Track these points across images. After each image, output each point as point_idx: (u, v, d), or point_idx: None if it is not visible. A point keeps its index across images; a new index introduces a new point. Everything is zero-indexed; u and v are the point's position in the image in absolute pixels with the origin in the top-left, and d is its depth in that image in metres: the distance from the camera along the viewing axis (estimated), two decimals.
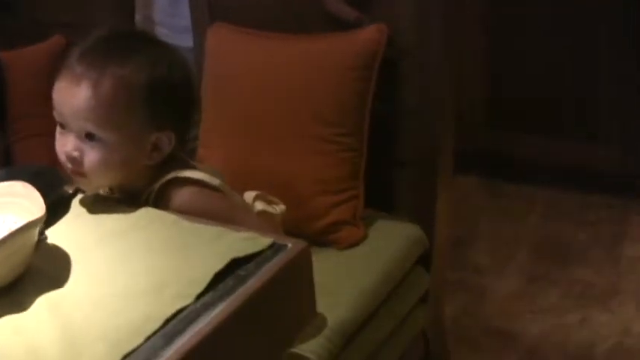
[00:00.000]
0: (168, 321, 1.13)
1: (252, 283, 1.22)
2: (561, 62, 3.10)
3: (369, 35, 1.86)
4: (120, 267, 1.27)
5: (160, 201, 1.50)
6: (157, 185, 1.50)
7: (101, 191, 1.56)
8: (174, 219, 1.40)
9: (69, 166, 1.45)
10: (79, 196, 1.49)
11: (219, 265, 1.24)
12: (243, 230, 1.34)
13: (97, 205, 1.47)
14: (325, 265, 1.67)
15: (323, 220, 1.90)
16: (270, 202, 1.67)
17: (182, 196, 1.51)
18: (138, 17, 2.39)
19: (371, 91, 1.86)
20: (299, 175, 1.90)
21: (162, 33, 2.30)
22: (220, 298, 1.19)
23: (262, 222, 1.59)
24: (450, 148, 1.97)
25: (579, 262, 2.92)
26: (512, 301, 2.73)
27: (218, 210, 1.52)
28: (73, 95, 1.40)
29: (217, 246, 1.30)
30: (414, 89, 1.92)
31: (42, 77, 2.43)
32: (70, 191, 1.49)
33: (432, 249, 2.01)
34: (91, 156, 1.42)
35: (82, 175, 1.46)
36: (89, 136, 1.41)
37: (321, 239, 1.87)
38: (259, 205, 1.68)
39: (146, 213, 1.43)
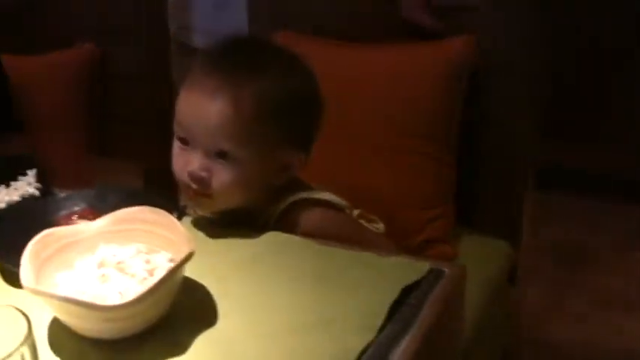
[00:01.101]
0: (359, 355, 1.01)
1: (428, 313, 1.14)
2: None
3: (458, 46, 1.77)
4: (267, 298, 1.16)
5: (284, 224, 1.37)
6: (280, 207, 1.38)
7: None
8: (308, 243, 1.29)
9: (193, 186, 1.33)
10: (186, 220, 1.36)
11: (390, 294, 1.14)
12: (385, 254, 1.26)
13: (212, 228, 1.33)
14: None
15: (414, 238, 1.79)
16: (370, 221, 1.53)
17: (311, 218, 1.39)
18: (172, 23, 2.22)
19: (460, 102, 1.74)
20: (388, 191, 1.80)
21: (203, 41, 2.13)
22: (403, 331, 1.09)
23: (389, 242, 1.45)
24: (534, 161, 1.82)
25: (607, 269, 2.87)
26: (541, 309, 2.65)
27: (348, 232, 1.42)
28: (206, 110, 1.28)
29: (374, 273, 1.21)
30: (501, 100, 1.84)
31: (69, 86, 2.23)
32: (175, 215, 1.32)
33: (518, 265, 1.87)
34: (222, 176, 1.30)
35: (208, 196, 1.33)
36: (220, 155, 1.29)
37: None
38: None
39: (274, 237, 1.32)
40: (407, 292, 1.15)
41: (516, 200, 1.86)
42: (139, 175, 2.38)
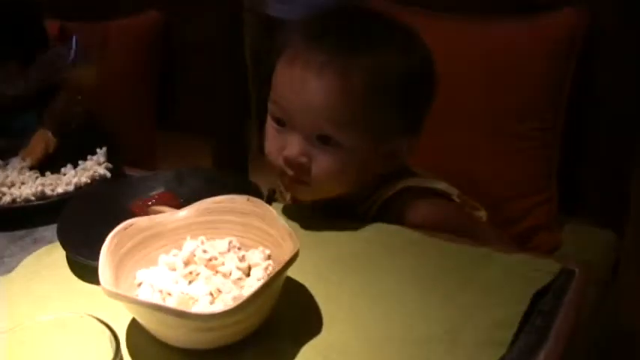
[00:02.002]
0: None
1: (563, 322, 0.99)
2: None
3: (568, 19, 1.58)
4: (377, 302, 1.01)
5: (388, 213, 1.23)
6: (383, 194, 1.22)
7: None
8: (421, 237, 1.15)
9: (289, 172, 1.18)
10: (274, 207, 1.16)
11: (520, 300, 0.99)
12: (507, 250, 1.11)
13: (306, 218, 1.17)
14: None
15: (518, 225, 1.64)
16: (473, 208, 1.35)
17: (419, 208, 1.23)
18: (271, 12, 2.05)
19: (569, 81, 1.57)
20: (491, 177, 1.64)
21: (281, 9, 1.97)
22: (538, 344, 0.95)
23: (503, 235, 1.28)
24: None
25: None
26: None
27: (461, 224, 1.26)
28: (310, 87, 1.12)
29: (500, 273, 1.05)
30: (609, 77, 1.65)
31: (134, 55, 2.11)
32: None
33: (622, 254, 1.73)
34: (323, 162, 1.15)
35: (305, 183, 1.19)
36: (323, 139, 1.14)
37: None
38: None
39: (381, 229, 1.17)
40: (538, 295, 1.00)
41: (623, 186, 1.65)
42: (207, 150, 2.22)
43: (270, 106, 1.19)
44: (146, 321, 0.89)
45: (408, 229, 1.15)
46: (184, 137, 2.34)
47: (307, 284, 1.02)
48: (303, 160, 1.15)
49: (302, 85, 1.12)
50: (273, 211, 0.99)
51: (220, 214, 1.03)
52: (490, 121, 1.61)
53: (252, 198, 1.02)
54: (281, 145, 1.17)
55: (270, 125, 1.20)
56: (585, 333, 1.47)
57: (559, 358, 0.92)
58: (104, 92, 2.14)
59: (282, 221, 0.96)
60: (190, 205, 1.03)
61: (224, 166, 2.20)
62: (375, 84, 1.12)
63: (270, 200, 1.23)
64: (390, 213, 1.23)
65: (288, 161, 1.15)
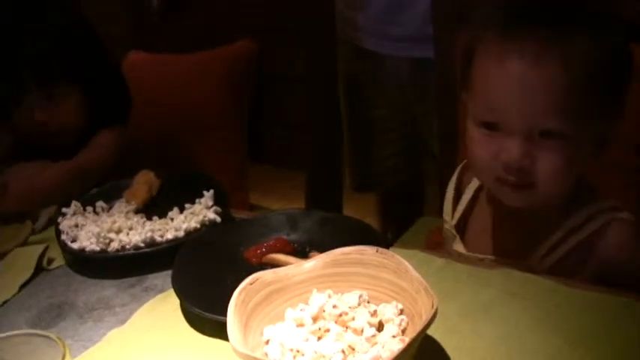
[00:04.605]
0: None
1: None
2: None
3: None
4: (520, 355, 0.96)
5: (593, 243, 1.18)
6: (578, 220, 1.19)
7: None
8: (556, 286, 1.10)
9: (510, 179, 1.11)
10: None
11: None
12: None
13: (430, 265, 1.10)
14: None
15: None
16: None
17: (624, 241, 1.18)
18: (340, 23, 2.01)
19: None
20: None
21: (370, 40, 1.92)
22: None
23: None
24: None
25: None
26: None
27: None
28: (528, 80, 1.06)
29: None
30: None
31: (228, 85, 2.04)
32: None
33: None
34: (550, 161, 1.09)
35: (529, 186, 1.12)
36: (545, 134, 1.08)
37: None
38: None
39: (512, 276, 1.13)
40: None
41: None
42: (299, 185, 2.19)
43: (475, 111, 1.14)
44: None
45: (542, 277, 1.11)
46: (276, 171, 2.30)
47: (439, 337, 0.99)
48: (526, 162, 1.08)
49: (519, 80, 1.06)
50: (405, 263, 0.95)
51: (348, 266, 0.99)
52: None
53: (382, 249, 0.97)
54: (496, 151, 1.10)
55: (475, 132, 1.14)
56: None
57: None
58: (196, 125, 2.12)
59: (416, 274, 0.92)
60: (317, 257, 1.00)
61: (317, 201, 2.16)
62: (593, 66, 1.06)
63: (388, 244, 1.16)
64: (595, 243, 1.19)
65: (508, 167, 1.09)
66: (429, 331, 0.95)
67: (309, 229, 1.22)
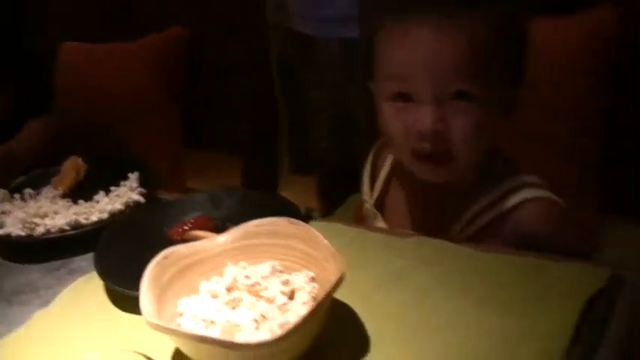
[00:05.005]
0: None
1: (616, 331, 0.95)
2: None
3: (604, 17, 1.49)
4: (425, 321, 0.98)
5: (508, 221, 1.22)
6: (497, 205, 1.23)
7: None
8: (466, 251, 1.12)
9: (426, 147, 1.13)
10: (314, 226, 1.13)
11: (572, 310, 0.96)
12: (557, 258, 1.08)
13: (347, 236, 1.13)
14: None
15: None
16: None
17: (543, 220, 1.23)
18: (269, 5, 2.03)
19: (607, 81, 1.50)
20: None
21: (300, 22, 1.94)
22: (592, 354, 0.91)
23: None
24: None
25: None
26: None
27: (566, 230, 1.24)
28: (437, 44, 1.10)
29: (550, 283, 1.03)
30: None
31: (161, 72, 2.05)
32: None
33: None
34: (463, 121, 1.12)
35: (446, 156, 1.15)
36: (458, 96, 1.11)
37: None
38: None
39: (424, 245, 1.15)
40: (589, 303, 0.97)
41: None
42: (236, 169, 2.20)
43: (385, 85, 1.17)
44: (191, 352, 0.87)
45: (454, 244, 1.13)
46: (213, 156, 2.31)
47: (352, 305, 1.00)
48: (440, 126, 1.11)
49: (427, 45, 1.10)
50: (316, 232, 0.96)
51: (261, 237, 1.01)
52: (529, 120, 1.57)
53: (293, 220, 0.99)
54: (411, 122, 1.13)
55: (388, 107, 1.17)
56: None
57: None
58: (130, 112, 2.13)
59: (325, 242, 0.94)
60: (230, 230, 1.01)
61: (253, 184, 2.18)
62: (493, 33, 1.11)
63: (308, 219, 1.18)
64: (511, 221, 1.22)
65: (422, 134, 1.12)
66: (344, 299, 0.99)
67: (231, 206, 1.23)
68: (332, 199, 2.39)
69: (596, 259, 1.24)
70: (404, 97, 1.13)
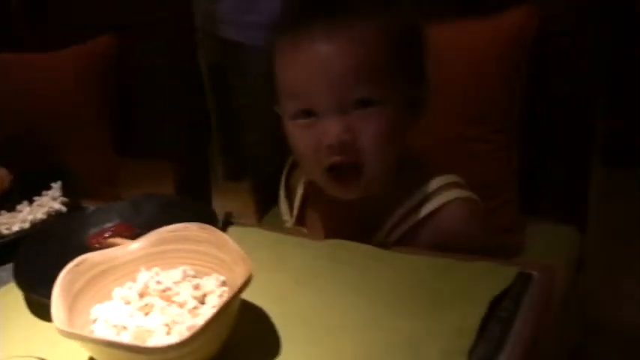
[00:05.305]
0: None
1: (521, 328, 0.98)
2: None
3: (518, 19, 1.55)
4: (335, 319, 1.00)
5: (428, 223, 1.23)
6: (430, 196, 1.24)
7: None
8: (378, 251, 1.15)
9: (336, 159, 1.14)
10: (231, 230, 1.21)
11: (478, 308, 0.98)
12: (469, 258, 1.11)
13: (264, 240, 1.17)
14: None
15: None
16: None
17: (466, 219, 1.25)
18: (197, 13, 2.05)
19: (522, 80, 1.58)
20: None
21: (228, 29, 1.97)
22: (496, 351, 0.94)
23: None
24: (599, 140, 1.64)
25: None
26: (607, 292, 2.52)
27: (485, 229, 1.26)
28: (331, 57, 1.11)
29: (458, 283, 1.05)
30: (566, 77, 1.66)
31: (89, 81, 2.06)
32: (219, 225, 1.16)
33: (586, 251, 1.74)
34: (371, 126, 1.13)
35: (358, 163, 1.15)
36: (361, 104, 1.12)
37: None
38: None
39: (337, 246, 1.18)
40: (496, 301, 1.00)
41: (583, 183, 1.65)
42: (168, 176, 2.21)
43: (289, 105, 1.17)
44: (103, 358, 0.88)
45: (366, 246, 1.15)
46: (148, 164, 2.32)
47: (265, 307, 1.02)
48: (347, 137, 1.11)
49: (321, 60, 1.12)
50: (226, 237, 0.98)
51: (174, 243, 1.02)
52: (444, 124, 1.59)
53: (204, 225, 1.00)
54: (318, 137, 1.13)
55: (293, 126, 1.18)
56: (553, 333, 1.46)
57: None
58: (60, 122, 2.13)
59: (234, 246, 0.96)
60: (144, 236, 1.03)
61: (187, 191, 2.18)
62: (386, 36, 1.14)
63: (227, 224, 1.19)
64: (430, 228, 1.24)
65: (330, 148, 1.12)
66: (258, 301, 1.01)
67: (151, 213, 1.25)
68: (267, 205, 2.40)
69: (517, 259, 1.27)
70: (307, 113, 1.13)
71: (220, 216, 1.21)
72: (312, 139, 1.13)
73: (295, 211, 1.36)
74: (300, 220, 1.37)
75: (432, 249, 1.18)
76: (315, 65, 1.11)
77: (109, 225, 1.23)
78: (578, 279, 1.75)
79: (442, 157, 1.51)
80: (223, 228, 1.19)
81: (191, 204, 1.26)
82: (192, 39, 2.07)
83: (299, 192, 1.35)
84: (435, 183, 1.24)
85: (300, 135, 1.15)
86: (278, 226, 1.37)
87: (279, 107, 1.22)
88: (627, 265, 2.66)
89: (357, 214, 1.25)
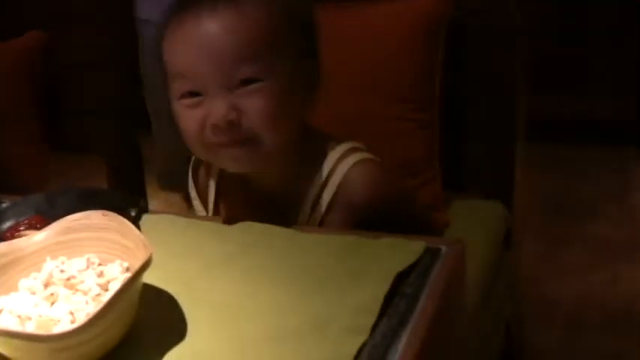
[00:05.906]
0: None
1: (426, 304, 0.99)
2: None
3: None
4: (245, 303, 1.00)
5: (341, 189, 1.23)
6: (334, 167, 1.24)
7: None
8: (288, 233, 1.16)
9: (222, 140, 1.13)
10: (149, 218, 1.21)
11: (382, 285, 0.99)
12: (376, 235, 1.11)
13: (178, 227, 1.16)
14: None
15: None
16: None
17: (369, 179, 1.24)
18: (142, 16, 2.03)
19: (440, 59, 1.58)
20: None
21: (147, 12, 1.97)
22: (400, 327, 0.95)
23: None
24: (523, 115, 1.67)
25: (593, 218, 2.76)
26: (538, 265, 2.55)
27: (396, 188, 1.29)
28: (213, 37, 1.11)
29: (365, 260, 1.06)
30: (484, 54, 1.68)
31: (18, 76, 2.05)
32: (133, 214, 1.15)
33: (514, 225, 1.77)
34: (256, 104, 1.12)
35: (246, 139, 1.14)
36: (245, 83, 1.11)
37: None
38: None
39: (248, 230, 1.17)
40: (403, 277, 1.01)
41: (506, 158, 1.70)
42: (101, 169, 2.20)
43: (175, 86, 1.15)
44: (6, 350, 0.88)
45: (279, 228, 1.16)
46: (81, 159, 2.31)
47: (176, 292, 1.02)
48: (233, 115, 1.10)
49: (204, 40, 1.11)
50: (128, 223, 0.98)
51: (78, 231, 1.02)
52: (366, 104, 1.61)
53: (107, 212, 1.00)
54: (203, 117, 1.12)
55: (180, 107, 1.16)
56: (479, 308, 1.48)
57: (420, 339, 0.92)
58: None
59: (136, 232, 0.96)
60: (49, 226, 1.02)
61: (120, 184, 2.17)
62: (270, 14, 1.14)
63: (142, 211, 1.19)
64: (343, 197, 1.24)
65: (217, 127, 1.11)
66: (167, 286, 1.02)
67: (67, 205, 1.23)
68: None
69: (435, 235, 1.28)
70: (193, 94, 1.12)
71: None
72: (199, 117, 1.12)
73: (211, 205, 1.34)
74: (219, 213, 1.35)
75: (353, 221, 1.20)
76: (200, 42, 1.10)
77: (22, 218, 1.20)
78: (508, 253, 1.76)
79: (363, 135, 1.51)
80: (138, 216, 1.18)
81: (108, 193, 1.25)
82: (130, 34, 2.05)
83: (211, 187, 1.34)
84: (335, 154, 1.24)
85: (186, 115, 1.14)
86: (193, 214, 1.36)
87: (169, 93, 1.19)
88: (562, 238, 2.68)
89: (271, 199, 1.26)
